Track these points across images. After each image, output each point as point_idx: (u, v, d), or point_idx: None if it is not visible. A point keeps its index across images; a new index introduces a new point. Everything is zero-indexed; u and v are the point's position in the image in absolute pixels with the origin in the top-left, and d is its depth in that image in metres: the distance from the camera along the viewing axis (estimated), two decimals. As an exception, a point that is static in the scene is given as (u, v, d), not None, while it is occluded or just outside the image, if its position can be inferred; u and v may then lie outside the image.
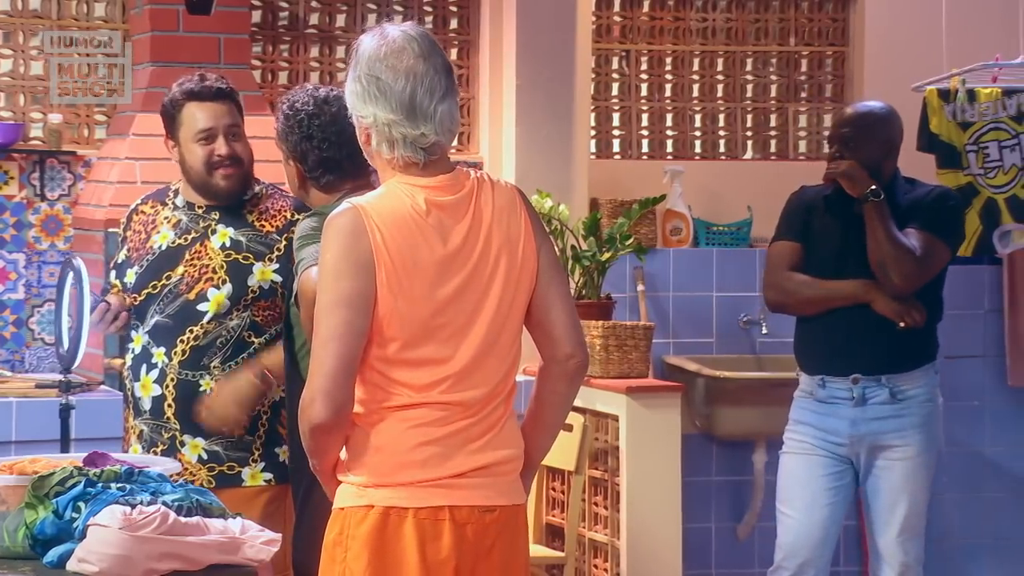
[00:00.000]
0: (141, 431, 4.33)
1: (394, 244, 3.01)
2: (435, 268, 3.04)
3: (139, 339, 4.34)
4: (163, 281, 4.31)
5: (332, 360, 2.99)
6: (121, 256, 4.46)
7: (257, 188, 4.41)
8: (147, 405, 4.31)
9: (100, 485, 3.22)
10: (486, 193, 3.10)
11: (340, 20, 6.49)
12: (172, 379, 4.27)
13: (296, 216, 4.31)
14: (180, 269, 4.31)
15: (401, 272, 3.02)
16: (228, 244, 4.31)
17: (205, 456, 4.26)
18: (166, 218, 4.40)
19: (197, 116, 4.31)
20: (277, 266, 4.30)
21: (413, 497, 3.04)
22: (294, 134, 4.01)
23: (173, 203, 4.42)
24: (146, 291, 4.32)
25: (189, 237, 4.34)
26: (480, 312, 3.07)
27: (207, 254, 4.30)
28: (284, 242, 4.30)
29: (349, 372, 3.01)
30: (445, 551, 3.04)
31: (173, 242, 4.35)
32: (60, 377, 4.71)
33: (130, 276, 4.38)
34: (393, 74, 3.05)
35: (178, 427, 4.27)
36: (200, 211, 4.36)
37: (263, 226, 4.33)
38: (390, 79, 3.05)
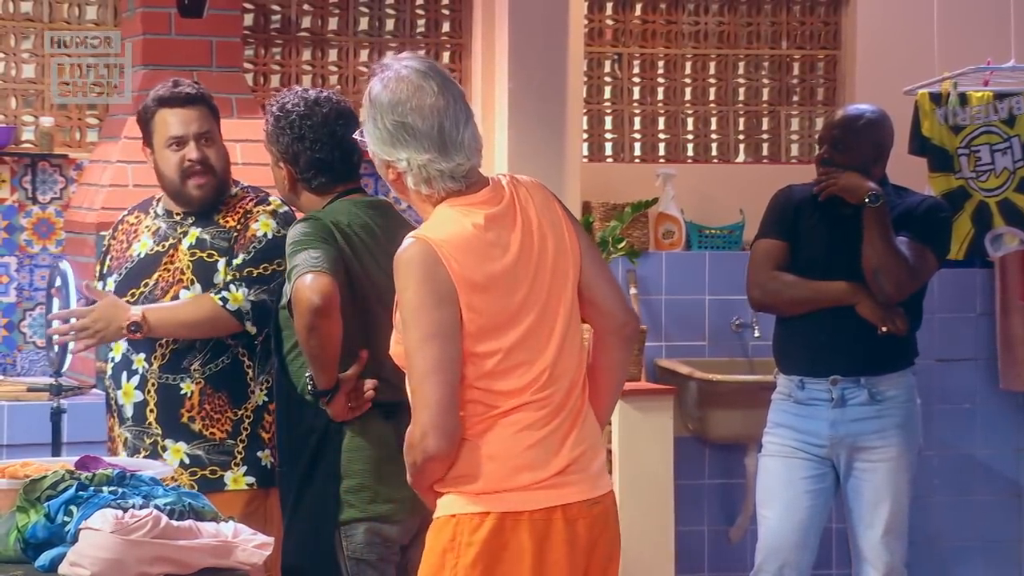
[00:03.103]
0: (126, 439, 4.31)
1: (468, 268, 3.07)
2: (507, 279, 3.10)
3: (118, 347, 4.32)
4: (141, 288, 4.30)
5: (435, 393, 3.03)
6: (104, 266, 4.46)
7: (234, 191, 4.40)
8: (129, 412, 4.29)
9: (92, 489, 3.21)
10: (523, 194, 3.18)
11: (332, 23, 6.48)
12: (153, 384, 4.26)
13: (254, 207, 4.30)
14: (156, 275, 4.31)
15: (482, 292, 3.07)
16: (194, 243, 4.31)
17: (187, 460, 4.24)
18: (147, 227, 4.40)
19: (169, 122, 4.30)
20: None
21: (527, 500, 3.09)
22: (286, 135, 4.00)
23: (155, 211, 4.42)
24: (125, 299, 4.29)
25: (166, 244, 4.33)
26: (554, 305, 3.14)
27: (179, 257, 4.30)
28: (236, 232, 4.29)
29: (453, 401, 3.06)
30: (560, 551, 3.09)
31: (152, 250, 4.34)
32: (52, 380, 4.70)
33: (110, 284, 4.38)
34: (420, 115, 3.10)
35: (160, 432, 4.25)
36: (178, 217, 4.36)
37: (227, 222, 4.32)
38: (417, 122, 3.10)
